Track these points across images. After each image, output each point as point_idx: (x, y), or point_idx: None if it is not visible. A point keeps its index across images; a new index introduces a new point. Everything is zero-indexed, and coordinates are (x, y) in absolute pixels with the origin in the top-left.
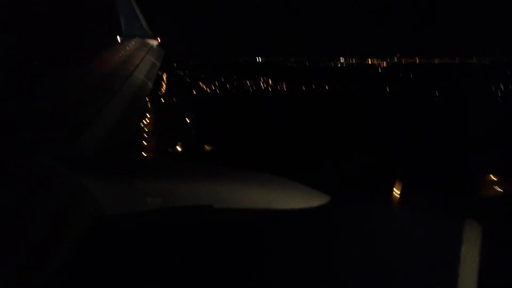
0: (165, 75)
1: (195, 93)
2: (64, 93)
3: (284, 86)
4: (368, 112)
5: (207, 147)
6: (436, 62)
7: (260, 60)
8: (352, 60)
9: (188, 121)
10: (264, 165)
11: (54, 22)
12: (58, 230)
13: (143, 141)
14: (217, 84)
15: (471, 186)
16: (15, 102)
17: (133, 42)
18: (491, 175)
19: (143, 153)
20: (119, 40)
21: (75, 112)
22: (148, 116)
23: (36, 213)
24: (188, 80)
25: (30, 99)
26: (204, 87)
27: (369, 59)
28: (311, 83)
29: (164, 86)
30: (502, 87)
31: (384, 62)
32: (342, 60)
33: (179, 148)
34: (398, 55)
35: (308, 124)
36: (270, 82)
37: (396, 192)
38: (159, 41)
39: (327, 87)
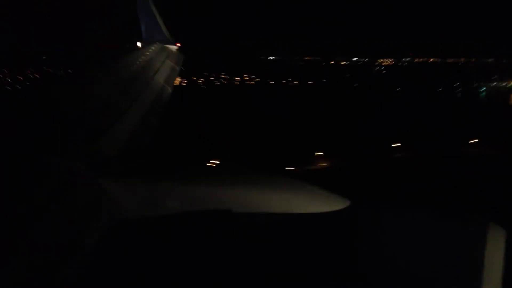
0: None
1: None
2: (86, 96)
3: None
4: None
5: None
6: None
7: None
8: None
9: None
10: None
11: (77, 27)
12: (79, 232)
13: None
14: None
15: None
16: (38, 103)
17: (153, 47)
18: None
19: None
20: (139, 45)
21: (97, 115)
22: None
23: (58, 214)
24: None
25: (53, 100)
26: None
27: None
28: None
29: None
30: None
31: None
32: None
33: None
34: (411, 54)
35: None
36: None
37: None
38: (179, 46)
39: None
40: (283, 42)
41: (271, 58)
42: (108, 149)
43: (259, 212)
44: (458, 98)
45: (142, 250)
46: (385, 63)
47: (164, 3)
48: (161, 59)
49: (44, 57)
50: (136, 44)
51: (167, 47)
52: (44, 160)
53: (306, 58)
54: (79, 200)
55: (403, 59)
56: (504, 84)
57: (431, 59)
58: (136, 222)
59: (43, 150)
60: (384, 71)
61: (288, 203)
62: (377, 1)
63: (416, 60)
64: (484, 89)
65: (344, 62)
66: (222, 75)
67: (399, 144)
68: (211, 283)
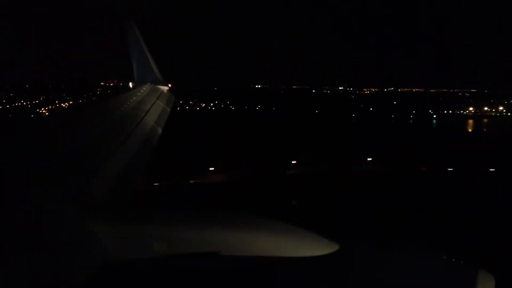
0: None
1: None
2: (75, 136)
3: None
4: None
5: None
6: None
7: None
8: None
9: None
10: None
11: (69, 65)
12: (64, 274)
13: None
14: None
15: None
16: (26, 144)
17: (144, 88)
18: None
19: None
20: (131, 86)
21: (86, 156)
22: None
23: (44, 257)
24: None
25: (42, 141)
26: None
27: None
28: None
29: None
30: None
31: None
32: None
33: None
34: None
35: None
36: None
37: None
38: (170, 86)
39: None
40: (275, 71)
41: (258, 86)
42: (96, 190)
43: (247, 255)
44: (406, 124)
45: None
46: (366, 92)
47: (155, 41)
48: (152, 100)
49: (41, 97)
50: (128, 84)
51: (159, 88)
52: (31, 203)
53: (294, 86)
54: (66, 242)
55: (387, 89)
56: (462, 112)
57: (415, 89)
58: (122, 265)
59: (30, 193)
60: (354, 99)
61: (276, 246)
62: (372, 34)
63: (400, 89)
64: (435, 117)
65: (326, 91)
66: (207, 104)
67: (295, 162)
68: None
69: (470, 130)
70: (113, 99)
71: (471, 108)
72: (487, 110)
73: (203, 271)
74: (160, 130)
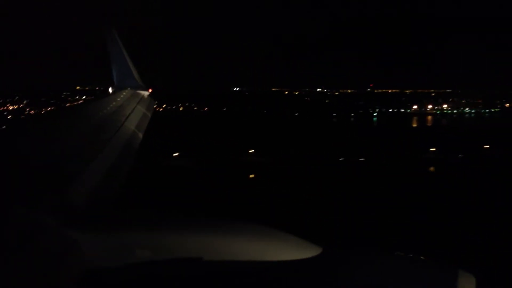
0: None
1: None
2: (54, 143)
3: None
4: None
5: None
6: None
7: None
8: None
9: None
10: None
11: (47, 71)
12: (46, 284)
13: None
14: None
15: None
16: (2, 151)
17: (124, 93)
18: None
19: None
20: (110, 91)
21: (65, 163)
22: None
23: (23, 267)
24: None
25: (19, 148)
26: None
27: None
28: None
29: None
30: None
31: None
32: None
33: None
34: (371, 85)
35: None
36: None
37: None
38: (151, 91)
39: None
40: (255, 74)
41: (235, 89)
42: (76, 198)
43: (229, 260)
44: (347, 121)
45: None
46: (343, 92)
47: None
48: (132, 105)
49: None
50: (107, 89)
51: (139, 93)
52: (9, 211)
53: (273, 89)
54: (46, 251)
55: (367, 89)
56: (406, 110)
57: (390, 90)
58: (104, 273)
59: (8, 201)
60: (327, 100)
61: (258, 251)
62: (352, 36)
63: (376, 90)
64: (376, 115)
65: (303, 92)
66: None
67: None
68: None
69: (396, 125)
70: (92, 105)
71: (415, 106)
72: (431, 108)
73: (186, 277)
74: (140, 135)
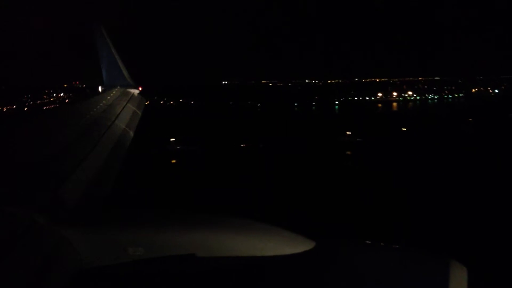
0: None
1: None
2: (44, 142)
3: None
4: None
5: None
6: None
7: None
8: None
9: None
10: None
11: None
12: (38, 284)
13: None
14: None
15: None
16: None
17: (114, 91)
18: None
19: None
20: (100, 90)
21: (56, 162)
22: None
23: (14, 266)
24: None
25: (8, 147)
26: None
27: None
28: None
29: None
30: None
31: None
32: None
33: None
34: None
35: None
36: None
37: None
38: (141, 89)
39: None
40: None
41: (224, 82)
42: (67, 197)
43: (223, 256)
44: (307, 110)
45: None
46: (332, 83)
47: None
48: (123, 103)
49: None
50: (97, 88)
51: (129, 91)
52: (1, 210)
53: (263, 81)
54: (37, 250)
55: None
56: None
57: (378, 79)
58: (98, 271)
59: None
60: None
61: (252, 246)
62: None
63: (363, 80)
64: (337, 103)
65: (289, 84)
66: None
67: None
68: None
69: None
70: (82, 103)
71: (380, 94)
72: (396, 95)
73: (180, 274)
74: (131, 134)
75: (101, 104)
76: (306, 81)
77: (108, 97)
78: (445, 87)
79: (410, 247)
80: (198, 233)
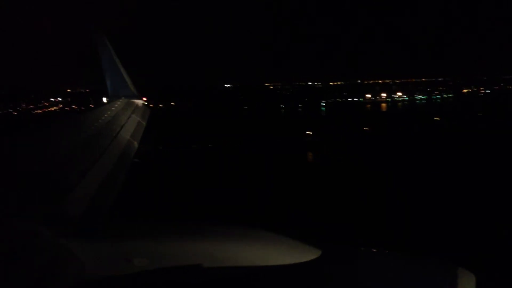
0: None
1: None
2: (49, 153)
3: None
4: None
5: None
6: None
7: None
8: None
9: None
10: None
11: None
12: None
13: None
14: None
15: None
16: None
17: (118, 102)
18: None
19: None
20: (104, 101)
21: (60, 173)
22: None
23: (19, 277)
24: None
25: (14, 157)
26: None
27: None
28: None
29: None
30: None
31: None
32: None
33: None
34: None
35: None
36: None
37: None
38: (145, 100)
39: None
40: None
41: (226, 85)
42: (71, 208)
43: (229, 266)
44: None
45: None
46: (334, 85)
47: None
48: (127, 113)
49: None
50: (101, 99)
51: (133, 102)
52: (4, 222)
53: (266, 84)
54: (42, 262)
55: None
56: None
57: (380, 81)
58: (102, 282)
59: (3, 211)
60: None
61: (257, 255)
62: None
63: (366, 82)
64: (324, 104)
65: (293, 86)
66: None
67: None
68: None
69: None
70: (87, 114)
71: (368, 95)
72: (385, 96)
73: (185, 285)
74: (136, 144)
75: (105, 115)
76: (309, 83)
77: (113, 108)
78: (441, 88)
79: (417, 255)
80: (203, 243)
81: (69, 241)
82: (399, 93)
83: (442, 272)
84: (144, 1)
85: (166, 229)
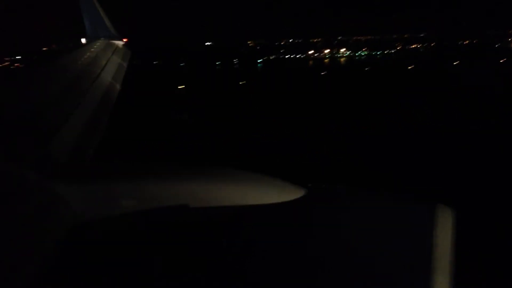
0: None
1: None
2: (30, 96)
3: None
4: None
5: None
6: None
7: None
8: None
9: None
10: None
11: (17, 24)
12: (31, 240)
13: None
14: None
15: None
16: None
17: (98, 43)
18: None
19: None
20: (83, 42)
21: (43, 116)
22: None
23: (7, 223)
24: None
25: None
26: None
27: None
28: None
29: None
30: None
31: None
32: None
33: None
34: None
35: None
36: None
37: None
38: (126, 41)
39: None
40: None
41: (207, 44)
42: (57, 151)
43: (215, 206)
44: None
45: (98, 252)
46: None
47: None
48: (107, 55)
49: None
50: (80, 40)
51: (114, 43)
52: None
53: (248, 42)
54: (29, 206)
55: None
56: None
57: (363, 37)
58: (90, 224)
59: None
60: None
61: (243, 195)
62: None
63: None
64: (261, 61)
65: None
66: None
67: None
68: (171, 282)
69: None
70: (66, 56)
71: (311, 52)
72: (328, 51)
73: (173, 225)
74: (118, 86)
75: (85, 56)
76: (290, 40)
77: (92, 49)
78: (397, 44)
79: (398, 193)
80: (189, 184)
81: (56, 184)
82: (342, 49)
83: (420, 207)
84: None
85: (152, 170)
